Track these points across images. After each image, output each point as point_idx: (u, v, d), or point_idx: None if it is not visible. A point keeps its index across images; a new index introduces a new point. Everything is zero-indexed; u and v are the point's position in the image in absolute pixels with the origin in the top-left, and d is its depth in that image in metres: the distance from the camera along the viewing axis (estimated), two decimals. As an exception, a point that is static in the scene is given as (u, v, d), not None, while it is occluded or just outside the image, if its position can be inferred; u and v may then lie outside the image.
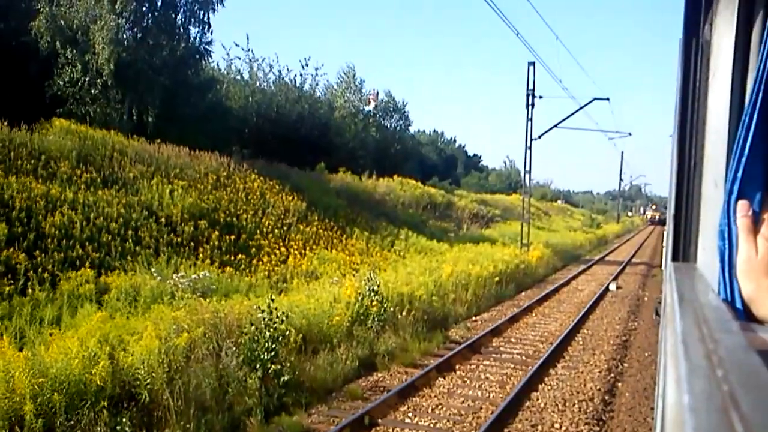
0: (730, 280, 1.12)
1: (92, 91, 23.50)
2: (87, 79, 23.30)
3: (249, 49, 38.88)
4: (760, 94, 1.08)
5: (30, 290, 10.50)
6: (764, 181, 1.12)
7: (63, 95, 23.32)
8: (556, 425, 8.33)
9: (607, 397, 9.67)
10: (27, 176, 14.48)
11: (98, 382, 6.99)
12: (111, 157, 17.86)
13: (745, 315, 1.08)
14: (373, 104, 42.51)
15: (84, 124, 20.64)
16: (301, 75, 36.16)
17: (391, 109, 45.05)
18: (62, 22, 23.45)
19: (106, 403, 6.85)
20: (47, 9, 23.11)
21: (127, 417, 6.86)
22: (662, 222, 71.78)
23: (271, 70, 35.42)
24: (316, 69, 39.60)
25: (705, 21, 1.79)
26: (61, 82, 23.24)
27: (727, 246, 1.13)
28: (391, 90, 52.27)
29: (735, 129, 1.20)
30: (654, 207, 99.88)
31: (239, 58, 36.37)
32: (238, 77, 34.64)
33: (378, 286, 12.27)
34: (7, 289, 10.43)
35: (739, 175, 1.11)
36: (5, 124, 16.72)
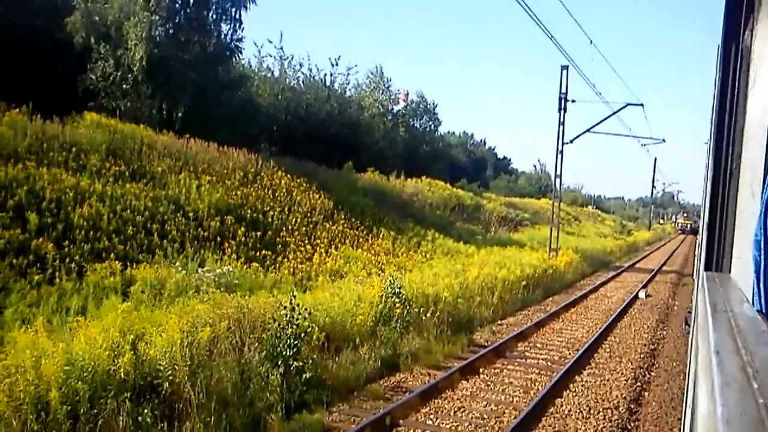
0: (765, 291, 1.08)
1: (123, 86, 23.78)
2: (119, 74, 23.59)
3: (281, 47, 39.11)
4: None
5: (57, 280, 10.60)
6: None
7: (95, 89, 23.64)
8: (581, 432, 8.17)
9: (632, 406, 9.48)
10: (58, 168, 14.64)
11: (122, 373, 7.00)
12: (140, 151, 18.01)
13: None
14: (402, 104, 42.51)
15: (114, 118, 20.87)
16: (331, 74, 36.27)
17: (421, 109, 45.04)
18: (97, 18, 23.82)
19: (129, 394, 6.86)
20: (83, 5, 23.47)
21: (149, 408, 6.87)
22: (694, 231, 72.26)
23: (301, 68, 35.56)
24: (348, 69, 39.54)
25: (745, 27, 1.75)
26: (93, 77, 23.56)
27: (763, 256, 1.09)
28: (422, 91, 52.08)
29: None
30: (686, 215, 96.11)
31: (271, 56, 36.53)
32: (269, 75, 34.79)
33: (401, 288, 12.18)
34: (36, 278, 10.56)
35: None
36: (38, 116, 16.93)
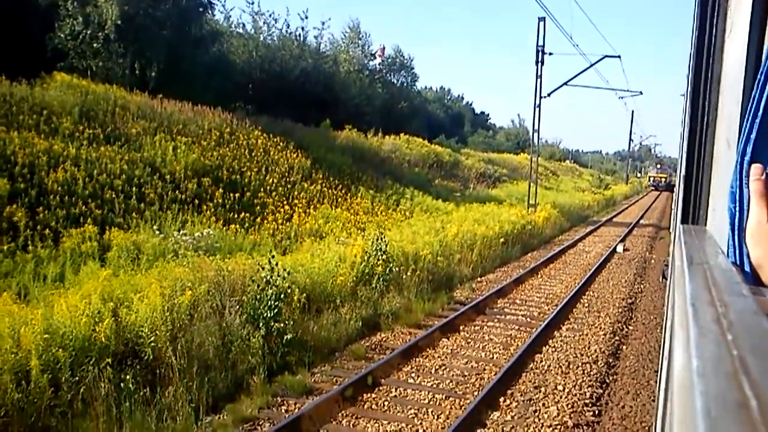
0: (739, 243, 1.09)
1: (94, 44, 23.18)
2: (88, 32, 22.95)
3: (252, 2, 38.54)
4: None
5: (32, 247, 10.47)
6: None
7: (64, 49, 22.99)
8: (560, 387, 8.32)
9: (611, 360, 9.66)
10: (29, 131, 14.35)
11: (102, 339, 7.00)
12: (113, 113, 17.70)
13: (754, 280, 1.04)
14: (379, 59, 42.04)
15: (86, 79, 20.43)
16: (303, 29, 35.62)
17: (398, 65, 44.60)
18: (62, -28, 23.09)
19: (110, 360, 6.86)
20: (47, -41, 22.74)
21: (131, 374, 6.88)
22: (669, 187, 61.92)
23: (276, 23, 34.93)
24: (322, 23, 38.99)
25: None
26: (62, 35, 22.89)
27: (738, 209, 1.10)
28: (398, 45, 51.70)
29: (750, 88, 1.15)
30: (659, 166, 76.80)
31: (243, 11, 35.90)
32: (242, 31, 34.16)
33: (386, 244, 12.22)
34: (10, 245, 10.41)
35: (753, 135, 1.07)
36: (5, 78, 16.53)
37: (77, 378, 6.60)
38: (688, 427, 0.45)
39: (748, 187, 1.07)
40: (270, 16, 34.66)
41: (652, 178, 78.72)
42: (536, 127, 27.85)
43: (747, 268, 1.07)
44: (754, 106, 1.07)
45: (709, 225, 1.62)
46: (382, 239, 12.29)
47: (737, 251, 1.10)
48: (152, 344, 7.38)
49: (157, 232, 11.94)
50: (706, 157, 1.76)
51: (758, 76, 1.08)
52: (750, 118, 1.08)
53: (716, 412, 0.43)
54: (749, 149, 1.08)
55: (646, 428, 7.25)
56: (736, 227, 1.10)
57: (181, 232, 12.15)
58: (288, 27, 35.06)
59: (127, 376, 6.79)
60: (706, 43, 1.83)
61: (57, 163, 13.51)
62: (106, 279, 8.41)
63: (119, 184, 13.93)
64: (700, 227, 1.73)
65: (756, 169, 1.06)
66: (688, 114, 2.07)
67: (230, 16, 34.46)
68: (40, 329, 6.74)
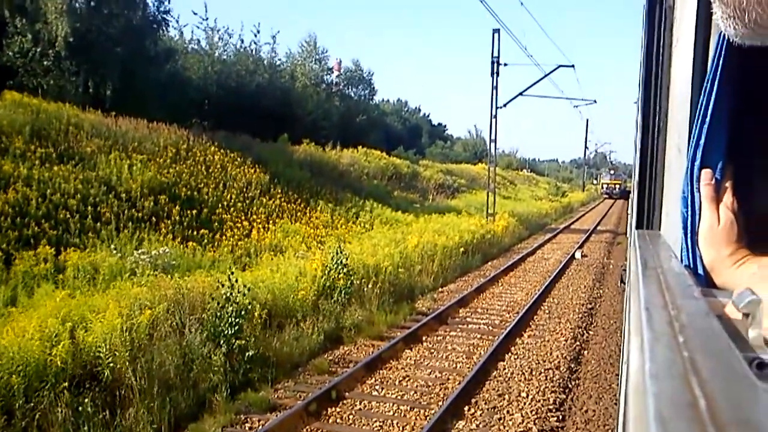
0: (692, 246, 1.12)
1: (44, 62, 22.76)
2: (38, 49, 22.55)
3: (206, 18, 38.31)
4: (722, 60, 1.06)
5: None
6: (726, 148, 1.11)
7: (13, 67, 22.53)
8: (523, 394, 8.37)
9: (573, 365, 9.76)
10: (-23, 153, 14.01)
11: (59, 362, 6.83)
12: (66, 132, 17.36)
13: (707, 282, 1.08)
14: (336, 73, 42.08)
15: (37, 97, 19.99)
16: (255, 43, 35.47)
17: (356, 78, 44.70)
18: (9, -11, 22.66)
19: (67, 384, 6.69)
20: (-7, -24, 22.30)
21: (90, 397, 6.73)
22: (624, 194, 59.56)
23: (230, 38, 34.72)
24: (273, 37, 38.92)
25: None
26: (10, 53, 22.44)
27: (689, 213, 1.13)
28: (358, 59, 51.84)
29: (698, 96, 1.19)
30: (613, 172, 73.47)
31: (198, 27, 35.62)
32: (197, 47, 33.90)
33: (346, 257, 12.19)
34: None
35: (702, 141, 1.10)
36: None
37: (32, 404, 6.42)
38: (641, 428, 0.46)
39: (699, 192, 1.11)
40: (224, 31, 34.31)
41: (605, 186, 72.87)
42: (493, 138, 28.13)
43: (700, 271, 1.10)
44: (701, 113, 1.10)
45: (663, 230, 1.65)
46: (341, 252, 12.26)
47: (690, 254, 1.13)
48: (111, 365, 7.23)
49: (114, 251, 11.73)
50: (659, 163, 1.79)
51: (704, 85, 1.11)
52: (698, 125, 1.11)
53: (667, 413, 0.43)
54: (699, 155, 1.11)
55: (610, 431, 7.33)
56: (689, 231, 1.13)
57: (139, 250, 11.95)
58: (242, 42, 34.92)
59: (86, 400, 6.64)
60: (655, 54, 1.86)
61: (8, 184, 13.20)
62: (62, 300, 8.22)
63: (74, 203, 13.66)
64: (654, 232, 1.76)
65: (706, 174, 1.10)
66: (640, 121, 2.10)
67: (183, 32, 33.99)
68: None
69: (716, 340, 0.60)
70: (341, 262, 11.96)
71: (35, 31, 22.50)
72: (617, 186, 68.32)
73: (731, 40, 0.97)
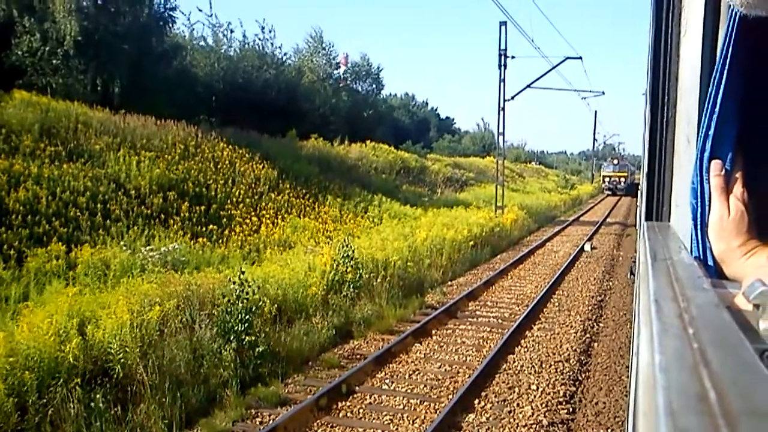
0: (702, 238, 1.12)
1: (53, 61, 22.83)
2: (47, 48, 22.61)
3: (211, 14, 38.39)
4: (731, 50, 1.05)
5: (-5, 268, 10.25)
6: (736, 139, 1.11)
7: (22, 65, 22.61)
8: (533, 387, 8.37)
9: (583, 358, 9.75)
10: (-13, 151, 14.09)
11: (70, 359, 6.87)
12: (75, 130, 17.46)
13: (717, 273, 1.08)
14: (343, 68, 42.03)
15: (46, 96, 20.09)
16: (260, 39, 35.42)
17: (363, 73, 44.63)
18: (17, -12, 22.73)
19: (79, 380, 6.73)
20: (1, -25, 22.38)
21: (101, 393, 6.76)
22: (631, 189, 51.11)
23: (232, 33, 34.65)
24: (270, 31, 38.83)
25: None
26: (19, 52, 22.51)
27: (699, 204, 1.13)
28: (366, 54, 51.87)
29: (707, 86, 1.18)
30: (617, 162, 58.64)
31: (203, 24, 35.62)
32: (203, 44, 33.90)
33: (353, 251, 12.20)
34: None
35: (711, 132, 1.10)
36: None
37: (45, 400, 6.46)
38: (651, 421, 0.46)
39: (708, 183, 1.10)
40: (227, 27, 34.22)
41: (606, 180, 58.75)
42: (501, 130, 28.03)
43: (710, 262, 1.10)
44: (710, 103, 1.10)
45: (672, 221, 1.64)
46: (348, 246, 12.27)
47: (700, 246, 1.13)
48: (122, 361, 7.28)
49: (125, 248, 11.78)
50: (668, 154, 1.78)
51: (713, 75, 1.11)
52: (707, 116, 1.10)
53: (677, 406, 0.43)
54: (708, 145, 1.11)
55: (620, 423, 7.32)
56: (699, 222, 1.13)
57: (149, 247, 12.00)
58: (245, 38, 34.88)
59: (97, 395, 6.67)
60: (663, 44, 1.85)
61: (18, 183, 13.27)
62: (72, 297, 8.26)
63: (83, 201, 13.73)
64: (663, 224, 1.75)
65: (715, 165, 1.09)
66: (649, 112, 2.09)
67: (193, 29, 33.96)
68: (3, 352, 6.59)
69: (726, 331, 0.60)
70: (348, 255, 11.97)
71: (43, 30, 22.56)
72: (622, 179, 56.27)
73: (739, 22, 0.97)
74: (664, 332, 0.59)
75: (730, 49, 1.06)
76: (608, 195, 57.34)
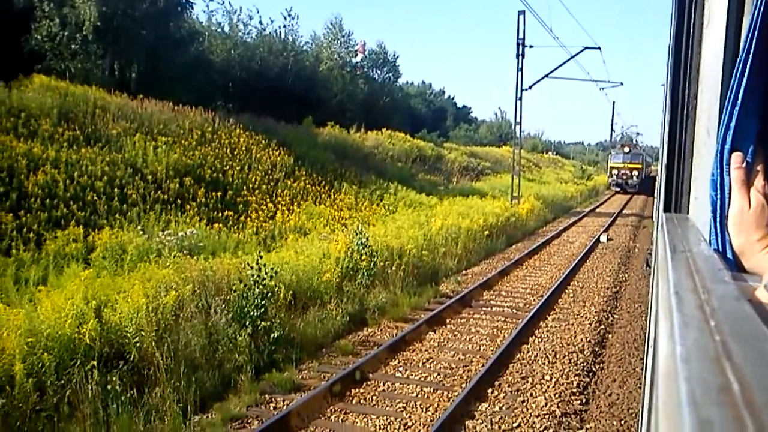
0: (721, 230, 1.11)
1: (72, 46, 23.01)
2: (66, 33, 22.78)
3: (223, 2, 38.67)
4: (754, 42, 1.04)
5: (14, 251, 10.37)
6: (757, 131, 1.09)
7: (41, 50, 22.81)
8: (547, 377, 8.36)
9: (597, 349, 9.72)
10: (7, 135, 14.23)
11: (87, 341, 6.95)
12: (93, 114, 17.58)
13: (736, 266, 1.07)
14: (360, 56, 41.96)
15: (64, 80, 20.24)
16: (284, 26, 35.54)
17: (380, 61, 44.56)
18: (37, -26, 22.86)
19: (96, 362, 6.80)
20: (21, -39, 22.51)
21: (117, 376, 6.82)
22: (646, 186, 43.93)
23: (251, 20, 34.75)
24: (291, 18, 39.10)
25: None
26: (38, 37, 22.71)
27: (719, 196, 1.12)
28: (382, 42, 51.79)
29: (729, 78, 1.16)
30: (627, 151, 46.47)
31: (218, 11, 35.72)
32: (219, 30, 33.96)
33: (367, 238, 12.22)
34: (-9, 250, 10.32)
35: (732, 124, 1.09)
36: (-20, 81, 16.37)
37: (63, 381, 6.54)
38: (672, 412, 0.46)
39: (729, 175, 1.09)
40: (245, 14, 34.36)
41: (615, 172, 46.66)
42: (518, 120, 27.91)
43: (729, 255, 1.09)
44: (732, 95, 1.08)
45: (691, 213, 1.64)
46: (363, 233, 12.29)
47: (719, 238, 1.12)
48: (138, 345, 7.34)
49: (141, 233, 11.87)
50: (687, 146, 1.77)
51: (736, 66, 1.09)
52: (729, 108, 1.09)
53: (700, 397, 0.43)
54: (729, 138, 1.09)
55: (633, 415, 7.31)
56: (718, 215, 1.12)
57: (166, 232, 12.08)
58: (261, 24, 34.97)
59: (114, 378, 6.74)
60: (685, 34, 1.84)
61: (37, 166, 13.41)
62: (88, 280, 8.34)
63: (101, 185, 13.84)
64: (682, 215, 1.74)
65: (736, 157, 1.08)
66: (669, 104, 2.08)
67: (211, 16, 34.04)
68: (24, 332, 6.67)
69: (748, 324, 0.59)
70: (363, 243, 11.99)
71: (62, 15, 22.72)
72: (635, 172, 44.94)
73: (764, 13, 0.95)
74: (685, 324, 0.59)
75: (755, 40, 1.04)
76: (616, 193, 46.13)
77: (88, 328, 7.01)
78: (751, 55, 1.05)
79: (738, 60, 1.10)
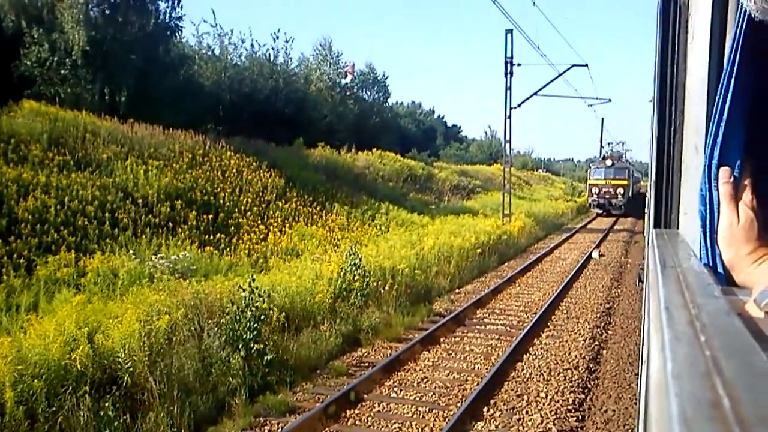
0: (711, 245, 1.12)
1: (61, 71, 22.98)
2: (55, 58, 22.77)
3: (216, 24, 38.90)
4: (738, 56, 1.05)
5: (5, 276, 10.30)
6: (744, 145, 1.11)
7: (31, 76, 22.77)
8: (542, 394, 8.34)
9: (591, 365, 9.71)
10: (-3, 160, 14.17)
11: (79, 366, 6.90)
12: (83, 139, 17.54)
13: (726, 280, 1.08)
14: (349, 77, 42.10)
15: (54, 106, 20.20)
16: (273, 48, 35.63)
17: (370, 81, 44.71)
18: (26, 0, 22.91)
19: (87, 388, 6.75)
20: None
21: (110, 401, 6.77)
22: (633, 205, 39.62)
23: (243, 44, 34.86)
24: (286, 41, 39.33)
25: None
26: (28, 63, 22.68)
27: (708, 211, 1.13)
28: (371, 62, 52.10)
29: (714, 93, 1.18)
30: (610, 164, 40.31)
31: (209, 34, 35.80)
32: (209, 53, 34.03)
33: (360, 259, 12.21)
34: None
35: (719, 139, 1.10)
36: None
37: (54, 408, 6.47)
38: (664, 428, 0.46)
39: (717, 190, 1.10)
40: (234, 36, 34.46)
41: (595, 191, 40.44)
42: (508, 138, 28.04)
43: (720, 269, 1.10)
44: (718, 111, 1.10)
45: (681, 228, 1.64)
46: (356, 254, 12.27)
47: (709, 253, 1.13)
48: (130, 369, 7.29)
49: (133, 257, 11.81)
50: (676, 161, 1.78)
51: (721, 82, 1.11)
52: (715, 123, 1.10)
53: (691, 413, 0.43)
54: (716, 153, 1.11)
55: (630, 431, 7.28)
56: (708, 229, 1.13)
57: (158, 255, 12.03)
58: (252, 47, 35.07)
59: (106, 404, 6.68)
60: (670, 51, 1.85)
61: (27, 192, 13.34)
62: (80, 305, 8.29)
63: (92, 210, 13.78)
64: (672, 231, 1.75)
65: (724, 172, 1.09)
66: (656, 120, 2.09)
67: (201, 40, 34.07)
68: (13, 360, 6.61)
69: (738, 339, 0.60)
70: (356, 263, 11.98)
71: (52, 41, 22.72)
72: (619, 190, 39.23)
73: (747, 29, 0.97)
74: (676, 339, 0.59)
75: (738, 55, 1.06)
76: (597, 216, 40.52)
77: (80, 354, 6.96)
78: (735, 70, 1.07)
79: (723, 75, 1.11)
